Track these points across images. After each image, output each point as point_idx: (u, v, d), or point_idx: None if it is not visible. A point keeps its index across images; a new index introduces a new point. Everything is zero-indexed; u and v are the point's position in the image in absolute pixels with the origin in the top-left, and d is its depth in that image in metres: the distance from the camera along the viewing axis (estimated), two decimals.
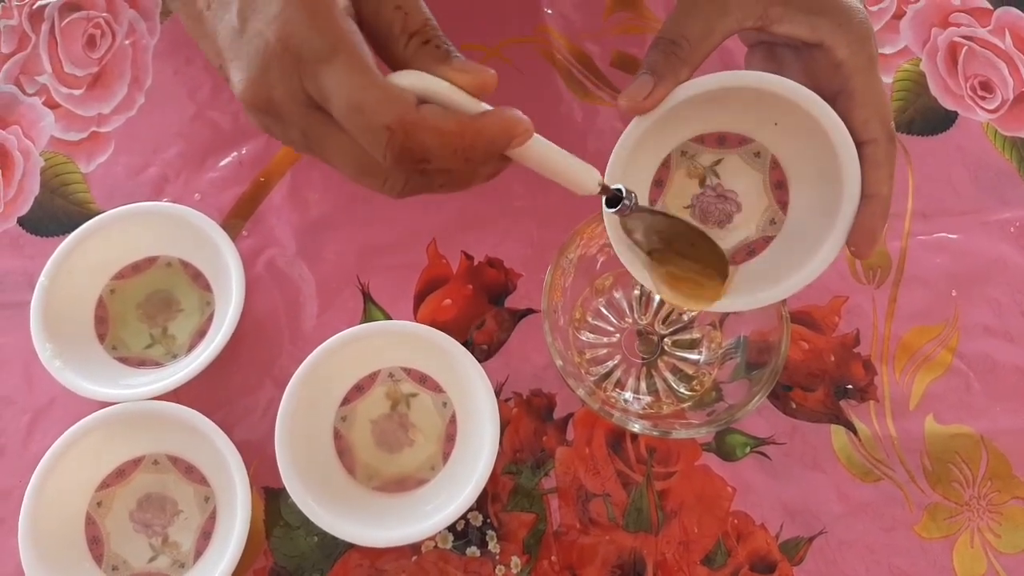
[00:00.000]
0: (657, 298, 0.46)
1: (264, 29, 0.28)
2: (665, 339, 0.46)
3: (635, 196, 0.33)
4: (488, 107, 0.29)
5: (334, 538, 0.42)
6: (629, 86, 0.34)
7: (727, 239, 0.38)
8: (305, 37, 0.27)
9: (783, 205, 0.37)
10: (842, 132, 0.33)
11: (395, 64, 0.29)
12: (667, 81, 0.34)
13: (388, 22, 0.29)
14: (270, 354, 0.47)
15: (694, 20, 0.34)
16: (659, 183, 0.38)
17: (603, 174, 0.36)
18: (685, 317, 0.46)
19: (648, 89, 0.34)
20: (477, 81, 0.29)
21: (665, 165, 0.38)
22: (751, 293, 0.36)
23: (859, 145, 0.34)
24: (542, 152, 0.31)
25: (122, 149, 0.52)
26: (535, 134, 0.30)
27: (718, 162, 0.38)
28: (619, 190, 0.33)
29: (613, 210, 0.33)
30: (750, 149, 0.37)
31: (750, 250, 0.38)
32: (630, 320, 0.47)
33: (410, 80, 0.28)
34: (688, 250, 0.37)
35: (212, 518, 0.43)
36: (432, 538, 0.43)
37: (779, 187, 0.37)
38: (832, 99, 0.34)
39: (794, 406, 0.46)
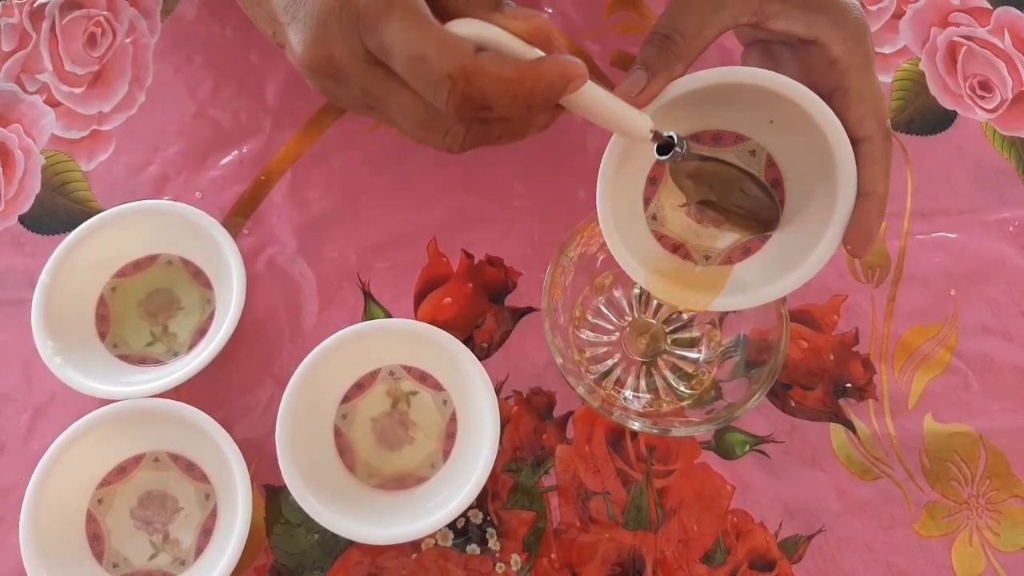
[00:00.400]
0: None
1: None
2: (665, 337, 0.46)
3: (687, 143, 0.33)
4: (541, 53, 0.29)
5: (334, 536, 0.42)
6: (623, 82, 0.34)
7: (723, 238, 0.38)
8: None
9: (780, 203, 0.37)
10: (838, 129, 0.33)
11: (448, 15, 0.29)
12: (661, 77, 0.34)
13: None
14: (271, 352, 0.47)
15: (689, 15, 0.34)
16: (654, 181, 0.38)
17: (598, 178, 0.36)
18: (685, 316, 0.46)
19: (642, 85, 0.34)
20: (531, 26, 0.29)
21: (660, 163, 0.38)
22: (747, 292, 0.36)
23: (855, 143, 0.34)
24: (596, 98, 0.30)
25: (123, 147, 0.52)
26: (588, 81, 0.29)
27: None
28: (671, 136, 0.32)
29: (666, 157, 0.33)
30: (745, 147, 0.37)
31: (746, 249, 0.38)
32: (630, 318, 0.47)
33: (466, 29, 0.28)
34: (739, 197, 0.36)
35: (213, 515, 0.43)
36: (432, 536, 0.43)
37: (775, 185, 0.37)
38: (828, 96, 0.34)
39: (793, 404, 0.46)
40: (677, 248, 0.39)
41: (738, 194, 0.36)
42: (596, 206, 0.36)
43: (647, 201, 0.38)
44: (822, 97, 0.33)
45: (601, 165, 0.35)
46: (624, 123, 0.32)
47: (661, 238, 0.39)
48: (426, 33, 0.27)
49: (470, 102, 0.28)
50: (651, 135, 0.32)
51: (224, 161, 0.51)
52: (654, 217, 0.39)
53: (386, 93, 0.30)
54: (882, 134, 0.34)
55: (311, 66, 0.30)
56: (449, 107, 0.28)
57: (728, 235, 0.38)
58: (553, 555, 0.43)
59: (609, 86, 0.52)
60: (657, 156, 0.33)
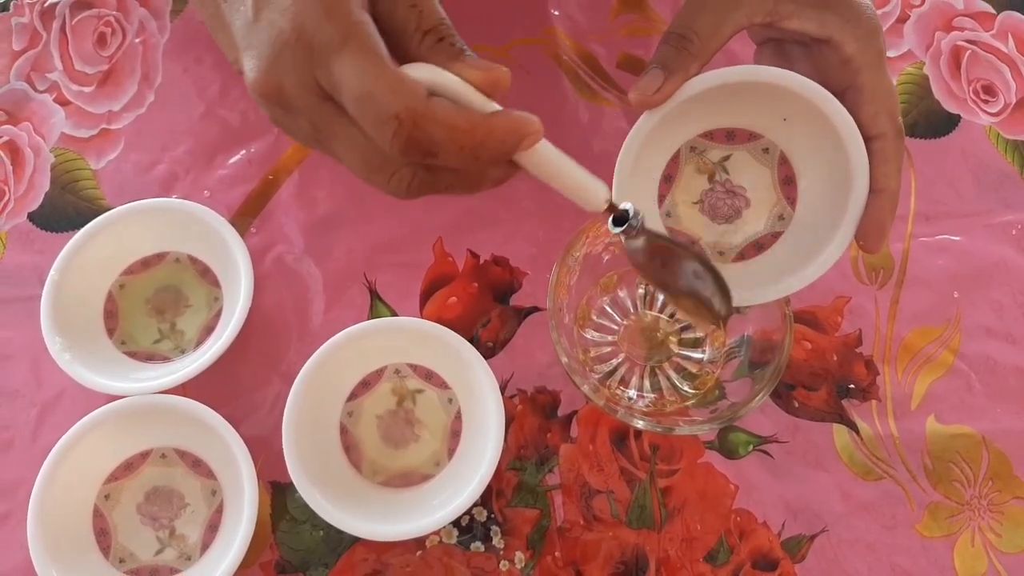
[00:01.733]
0: (661, 297, 0.47)
1: (277, 18, 0.28)
2: (669, 338, 0.46)
3: (643, 217, 0.32)
4: (497, 107, 0.29)
5: (339, 532, 0.42)
6: (639, 80, 0.34)
7: (736, 235, 0.38)
8: (318, 26, 0.27)
9: (792, 201, 0.37)
10: (851, 127, 0.34)
11: (408, 59, 0.29)
12: (677, 76, 0.34)
13: (403, 20, 0.29)
14: (278, 350, 0.47)
15: (704, 15, 0.35)
16: (668, 178, 0.38)
17: (613, 175, 0.36)
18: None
19: (658, 83, 0.34)
20: (490, 78, 0.29)
21: (674, 160, 0.38)
22: (760, 288, 0.37)
23: (867, 140, 0.34)
24: (551, 160, 0.30)
25: (132, 146, 0.52)
26: (544, 140, 0.29)
27: (727, 158, 0.38)
28: (626, 210, 0.32)
29: (619, 230, 0.32)
30: (759, 145, 0.37)
31: (759, 246, 0.38)
32: (634, 317, 0.47)
33: (422, 73, 0.28)
34: (691, 281, 0.35)
35: (219, 511, 0.43)
36: (437, 533, 0.43)
37: (788, 183, 0.37)
38: (841, 95, 0.34)
39: (797, 405, 0.46)
40: (692, 244, 0.39)
41: (690, 279, 0.35)
42: None
43: (661, 198, 0.38)
44: (835, 95, 0.34)
45: (617, 162, 0.36)
46: (580, 190, 0.31)
47: (676, 234, 0.39)
48: (378, 72, 0.27)
49: (416, 145, 0.27)
50: (606, 205, 0.31)
51: (232, 160, 0.51)
52: (668, 214, 0.39)
53: (334, 129, 0.29)
54: (894, 131, 0.35)
55: (262, 93, 0.29)
56: (393, 148, 0.27)
57: (741, 232, 0.38)
58: (557, 553, 0.43)
59: (615, 88, 0.53)
60: (611, 228, 0.32)
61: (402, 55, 0.29)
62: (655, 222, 0.39)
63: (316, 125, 0.29)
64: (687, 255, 0.35)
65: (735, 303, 0.37)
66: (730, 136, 0.37)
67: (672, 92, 0.34)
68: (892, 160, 0.34)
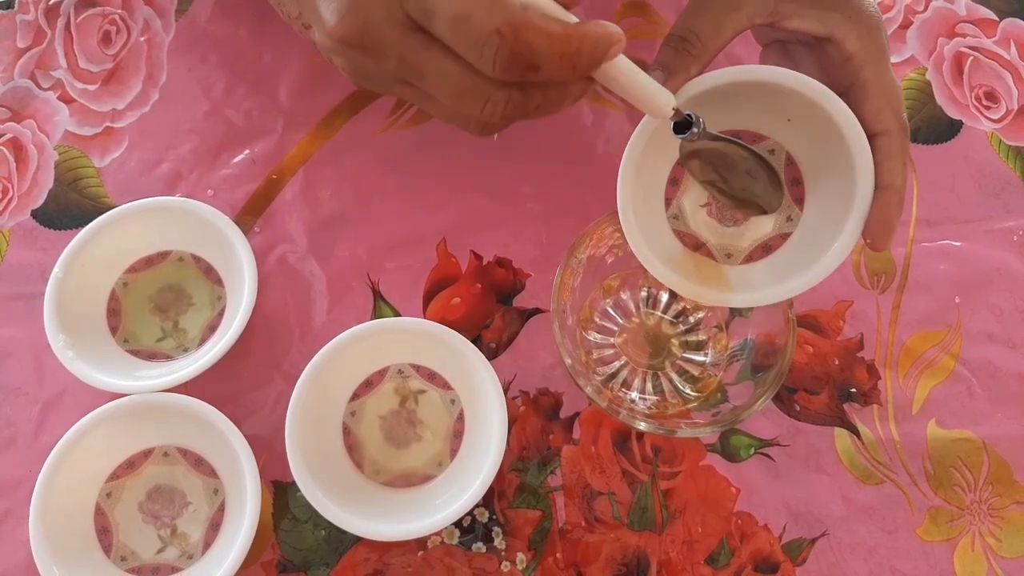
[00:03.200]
0: (664, 299, 0.47)
1: None
2: (672, 340, 0.47)
3: (703, 122, 0.34)
4: (575, 19, 0.29)
5: (341, 532, 0.42)
6: None
7: (744, 237, 0.39)
8: None
9: (799, 202, 0.38)
10: (853, 124, 0.34)
11: None
12: (678, 76, 0.34)
13: None
14: (280, 349, 0.47)
15: (705, 16, 0.35)
16: (675, 181, 0.39)
17: (617, 178, 0.36)
18: (692, 319, 0.46)
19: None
20: None
21: (680, 164, 0.38)
22: (768, 288, 0.37)
23: (872, 136, 0.34)
24: (628, 70, 0.31)
25: (136, 144, 0.52)
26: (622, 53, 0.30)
27: None
28: (690, 115, 0.33)
29: (683, 136, 0.34)
30: (764, 147, 0.37)
31: (767, 247, 0.38)
32: (637, 320, 0.47)
33: None
34: (744, 179, 0.37)
35: (221, 510, 0.43)
36: (439, 533, 0.43)
37: (795, 184, 0.37)
38: (845, 92, 0.34)
39: (798, 409, 0.46)
40: (699, 247, 0.39)
41: (743, 176, 0.37)
42: (607, 210, 0.37)
43: (668, 201, 0.39)
44: (839, 93, 0.34)
45: (621, 165, 0.36)
46: (650, 96, 0.32)
47: (683, 236, 0.39)
48: None
49: (519, 60, 0.27)
50: (672, 112, 0.33)
51: (236, 160, 0.51)
52: (675, 216, 0.39)
53: (425, 61, 0.29)
54: (899, 127, 0.35)
55: (344, 37, 0.29)
56: (497, 66, 0.27)
57: (749, 234, 0.39)
58: (558, 554, 0.43)
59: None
60: (675, 135, 0.34)
61: None
62: (661, 223, 0.39)
63: (405, 61, 0.29)
64: (742, 152, 0.35)
65: (740, 304, 0.38)
66: (735, 138, 0.37)
67: (674, 92, 0.34)
68: (897, 156, 0.34)
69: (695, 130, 0.33)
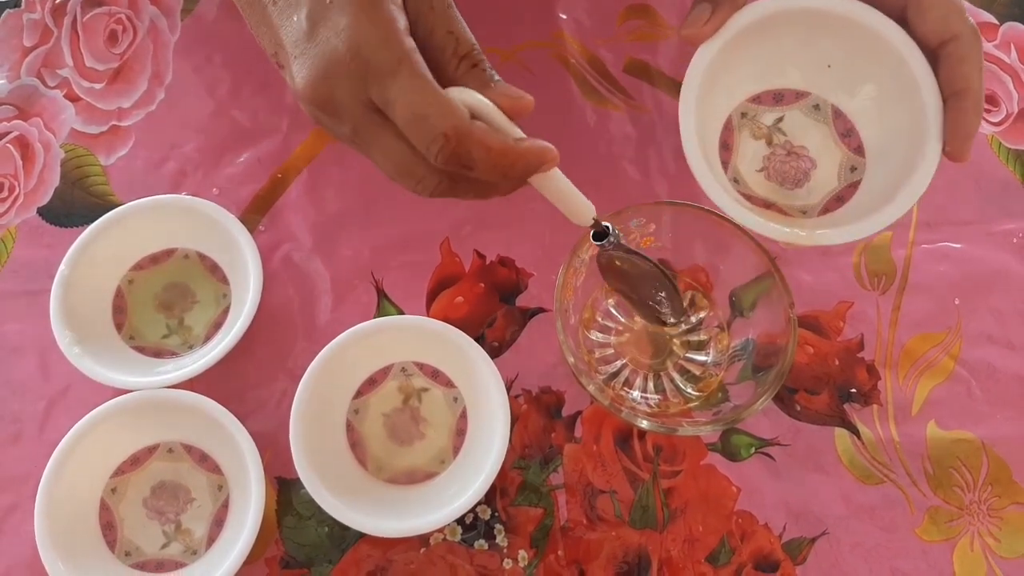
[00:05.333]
0: None
1: (333, 38, 0.32)
2: (673, 340, 0.47)
3: (619, 235, 0.38)
4: (520, 132, 0.33)
5: (344, 528, 0.42)
6: (688, 15, 0.36)
7: (812, 196, 0.40)
8: (374, 50, 0.31)
9: (858, 150, 0.38)
10: (904, 39, 0.34)
11: (445, 83, 0.32)
12: (724, 7, 0.36)
13: (441, 45, 0.33)
14: (285, 347, 0.47)
15: None
16: (726, 146, 0.40)
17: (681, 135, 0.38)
18: (693, 319, 0.47)
19: (706, 16, 0.36)
20: (517, 106, 0.33)
21: (728, 128, 0.39)
22: (855, 225, 0.37)
23: (942, 44, 0.34)
24: (557, 180, 0.35)
25: (142, 143, 0.52)
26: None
27: (780, 119, 0.39)
28: (607, 226, 0.37)
29: (600, 243, 0.38)
30: (808, 103, 0.38)
31: (839, 198, 0.39)
32: (639, 320, 0.47)
33: (463, 96, 0.32)
34: (648, 293, 0.41)
35: (225, 506, 0.44)
36: (441, 530, 0.44)
37: (848, 135, 0.38)
38: (901, 14, 0.35)
39: (799, 409, 0.47)
40: (769, 206, 0.40)
41: (648, 290, 0.41)
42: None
43: (724, 166, 0.40)
44: (896, 18, 0.34)
45: (680, 101, 0.37)
46: (574, 207, 0.36)
47: (749, 198, 0.40)
48: (429, 95, 0.31)
49: (456, 160, 0.31)
50: (592, 222, 0.37)
51: (241, 158, 0.52)
52: (736, 180, 0.41)
53: (375, 136, 0.33)
54: (969, 30, 0.35)
55: (312, 100, 0.33)
56: (439, 159, 0.31)
57: (815, 193, 0.40)
58: (560, 552, 0.44)
59: (622, 92, 0.54)
60: (592, 241, 0.38)
61: (437, 77, 0.32)
62: (725, 187, 0.39)
63: (358, 131, 0.33)
64: (651, 268, 0.39)
65: (840, 240, 0.38)
66: (777, 98, 0.38)
67: (722, 22, 0.36)
68: (971, 59, 0.35)
69: (611, 239, 0.37)
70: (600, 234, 0.38)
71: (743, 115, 0.39)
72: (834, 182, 0.39)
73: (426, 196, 0.35)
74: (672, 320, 0.42)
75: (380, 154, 0.34)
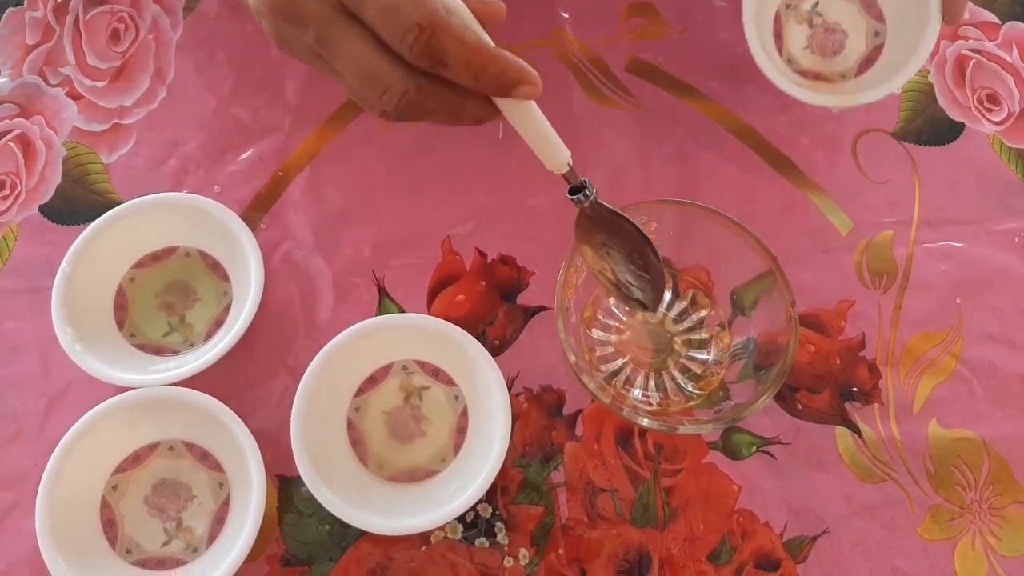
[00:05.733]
0: (668, 296, 0.47)
1: None
2: (674, 338, 0.47)
3: (595, 192, 0.36)
4: (489, 40, 0.32)
5: (345, 526, 0.42)
6: None
7: (847, 61, 0.50)
8: None
9: (879, 17, 0.49)
10: None
11: None
12: None
13: None
14: (286, 345, 0.47)
15: None
16: (778, 35, 0.50)
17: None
18: (695, 317, 0.47)
19: None
20: (490, 10, 0.33)
21: (777, 20, 0.50)
22: (884, 84, 0.47)
23: None
24: (533, 114, 0.33)
25: (143, 141, 0.52)
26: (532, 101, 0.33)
27: (816, 4, 0.50)
28: (584, 181, 0.36)
29: (574, 197, 0.37)
30: None
31: (868, 60, 0.49)
32: (640, 319, 0.47)
33: None
34: (627, 264, 0.40)
35: (226, 504, 0.44)
36: (442, 528, 0.44)
37: (869, 6, 0.49)
38: None
39: (800, 407, 0.46)
40: (817, 77, 0.50)
41: (627, 260, 0.40)
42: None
43: (779, 50, 0.49)
44: None
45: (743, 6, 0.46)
46: (550, 145, 0.34)
47: (802, 73, 0.50)
48: None
49: (430, 52, 0.31)
50: (567, 168, 0.35)
51: (243, 156, 0.52)
52: (789, 61, 0.50)
53: (340, 41, 0.32)
54: None
55: (273, 5, 0.32)
56: (413, 53, 0.31)
57: (849, 58, 0.50)
58: (561, 550, 0.44)
59: (624, 91, 0.53)
60: (568, 195, 0.37)
61: None
62: (781, 68, 0.49)
63: (322, 39, 0.32)
64: (634, 233, 0.38)
65: (873, 99, 0.47)
66: None
67: None
68: None
69: (587, 193, 0.36)
70: (576, 189, 0.36)
71: (787, 6, 0.50)
72: (863, 47, 0.49)
73: (391, 113, 0.33)
74: (649, 304, 0.41)
75: (345, 62, 0.32)
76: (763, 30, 0.49)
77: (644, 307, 0.42)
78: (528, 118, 0.33)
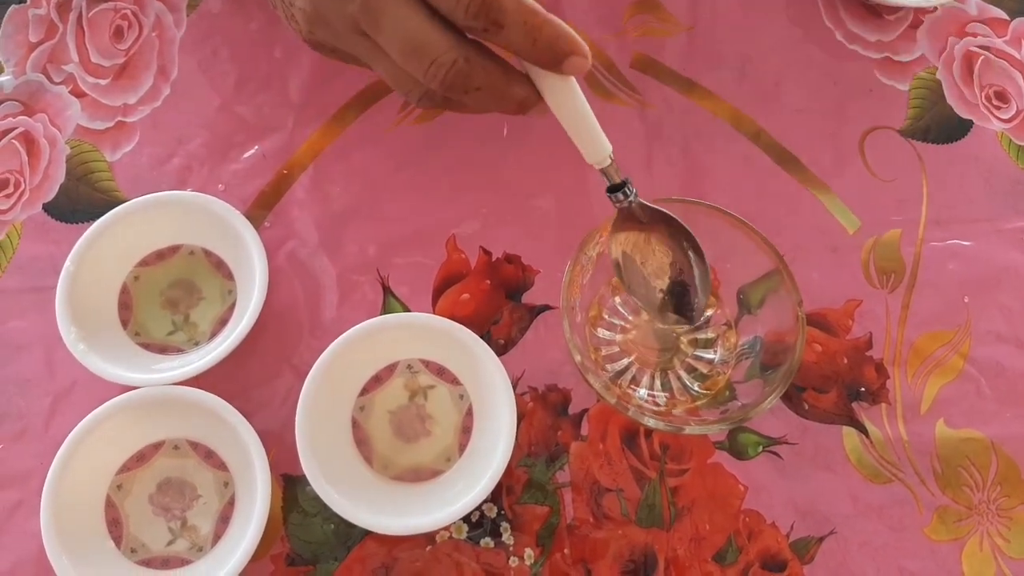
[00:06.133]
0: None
1: None
2: (680, 338, 0.47)
3: (635, 191, 0.34)
4: None
5: (350, 526, 0.42)
6: None
7: None
8: None
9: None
10: None
11: None
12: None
13: None
14: (290, 343, 0.47)
15: None
16: None
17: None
18: (701, 316, 0.46)
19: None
20: None
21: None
22: None
23: None
24: (575, 98, 0.32)
25: (147, 139, 0.52)
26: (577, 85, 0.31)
27: None
28: (626, 180, 0.34)
29: (612, 196, 0.35)
30: None
31: None
32: (646, 318, 0.47)
33: None
34: (666, 272, 0.38)
35: (231, 503, 0.44)
36: (447, 528, 0.43)
37: None
38: None
39: (806, 407, 0.46)
40: None
41: (667, 269, 0.37)
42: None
43: None
44: None
45: None
46: (592, 133, 0.33)
47: None
48: None
49: (487, 10, 0.29)
50: (609, 161, 0.33)
51: (247, 154, 0.51)
52: None
53: (387, 7, 0.30)
54: None
55: None
56: (469, 12, 0.29)
57: None
58: (566, 550, 0.43)
59: (629, 87, 0.53)
60: (607, 194, 0.34)
61: None
62: None
63: (368, 4, 0.31)
64: (680, 238, 0.35)
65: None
66: None
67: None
68: None
69: (627, 192, 0.34)
70: (615, 187, 0.34)
71: None
72: None
73: (435, 91, 0.32)
74: (689, 317, 0.38)
75: (391, 32, 0.31)
76: None
77: (684, 319, 0.39)
78: (572, 102, 0.32)
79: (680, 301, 0.39)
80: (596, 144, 0.33)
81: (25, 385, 0.47)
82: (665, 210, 0.36)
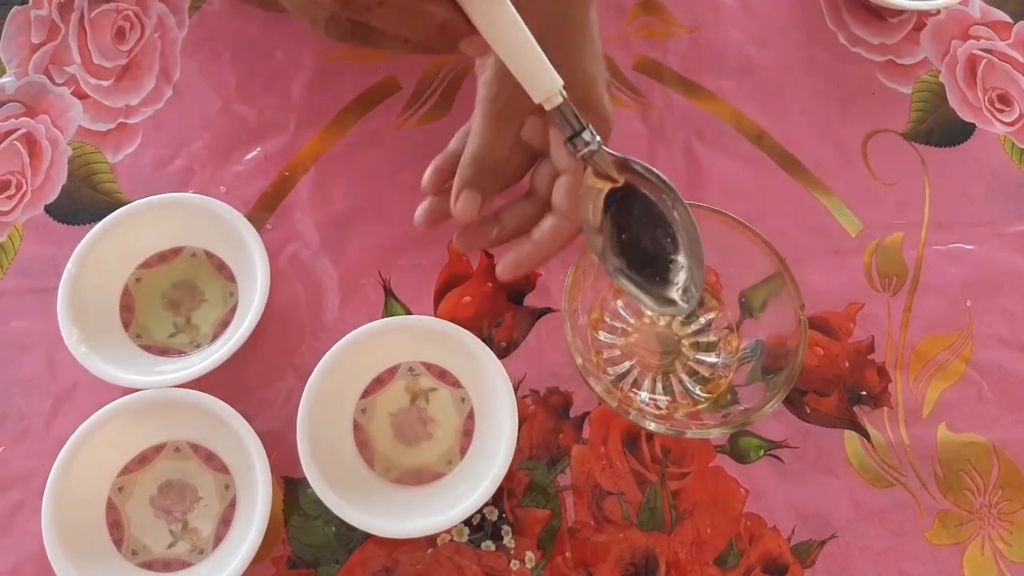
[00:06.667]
0: None
1: None
2: (682, 341, 0.47)
3: (599, 139, 0.28)
4: None
5: (351, 529, 0.42)
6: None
7: None
8: None
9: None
10: None
11: None
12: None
13: None
14: (292, 346, 0.47)
15: None
16: None
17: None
18: (702, 320, 0.46)
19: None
20: None
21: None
22: None
23: None
24: (513, 23, 0.25)
25: (149, 140, 0.52)
26: (510, 4, 0.25)
27: None
28: (585, 125, 0.28)
29: (571, 145, 0.28)
30: None
31: None
32: (648, 321, 0.47)
33: None
34: (652, 239, 0.32)
35: (232, 506, 0.44)
36: (448, 531, 0.43)
37: None
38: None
39: (808, 411, 0.46)
40: None
41: (651, 236, 0.32)
42: None
43: None
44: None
45: None
46: (534, 66, 0.26)
47: None
48: None
49: None
50: (562, 98, 0.27)
51: (249, 156, 0.51)
52: None
53: None
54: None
55: None
56: None
57: None
58: (567, 554, 0.43)
59: (632, 90, 0.53)
60: (565, 144, 0.29)
61: None
62: None
63: None
64: (666, 196, 0.30)
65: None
66: None
67: None
68: None
69: (586, 137, 0.28)
70: (574, 133, 0.28)
71: None
72: None
73: (340, 9, 0.27)
74: (682, 298, 0.33)
75: None
76: None
77: (674, 303, 0.33)
78: (508, 25, 0.25)
79: (666, 272, 0.34)
80: (541, 76, 0.26)
81: (26, 386, 0.47)
82: (643, 164, 0.31)
